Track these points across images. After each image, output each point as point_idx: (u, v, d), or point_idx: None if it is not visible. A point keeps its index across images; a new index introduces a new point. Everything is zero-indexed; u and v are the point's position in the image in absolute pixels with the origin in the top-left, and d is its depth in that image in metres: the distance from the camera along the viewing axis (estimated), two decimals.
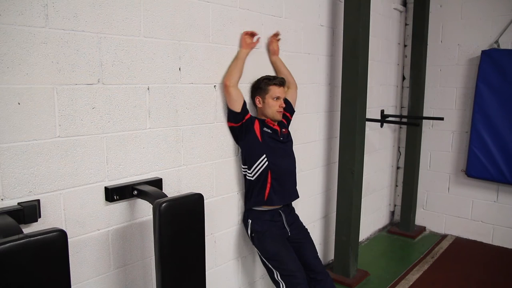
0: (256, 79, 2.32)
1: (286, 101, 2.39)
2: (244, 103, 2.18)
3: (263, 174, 2.20)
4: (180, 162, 2.01)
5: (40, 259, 1.13)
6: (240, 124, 2.17)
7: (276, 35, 2.43)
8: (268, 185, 2.21)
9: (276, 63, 2.49)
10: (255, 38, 2.27)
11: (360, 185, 2.97)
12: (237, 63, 2.18)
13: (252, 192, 2.25)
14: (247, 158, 2.24)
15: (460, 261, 3.39)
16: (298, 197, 2.40)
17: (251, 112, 2.36)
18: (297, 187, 2.42)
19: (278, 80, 2.26)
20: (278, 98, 2.25)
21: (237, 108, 2.14)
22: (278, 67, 2.50)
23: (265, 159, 2.19)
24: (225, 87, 2.13)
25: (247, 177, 2.26)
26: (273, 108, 2.24)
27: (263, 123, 2.26)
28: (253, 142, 2.20)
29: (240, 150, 2.30)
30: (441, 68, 3.88)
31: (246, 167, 2.25)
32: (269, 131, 2.24)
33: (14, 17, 1.38)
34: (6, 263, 1.07)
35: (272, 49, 2.44)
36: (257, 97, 2.27)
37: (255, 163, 2.20)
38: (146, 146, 1.85)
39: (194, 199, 1.58)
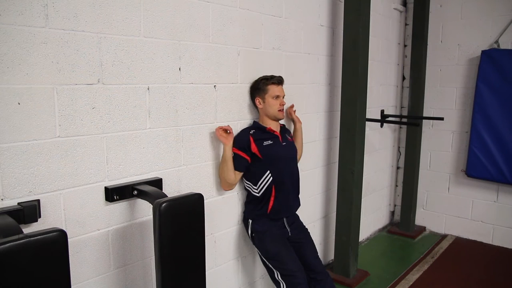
0: (254, 80, 2.32)
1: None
2: (241, 168, 2.19)
3: (268, 188, 2.21)
4: (180, 162, 2.01)
5: (40, 259, 1.13)
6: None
7: (291, 107, 2.61)
8: (272, 198, 2.22)
9: (297, 131, 2.62)
10: (228, 130, 2.14)
11: (360, 185, 2.97)
12: (227, 164, 2.13)
13: (255, 206, 2.26)
14: (251, 177, 2.24)
15: (460, 261, 3.39)
16: (299, 205, 2.40)
17: (251, 114, 2.37)
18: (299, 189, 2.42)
19: (276, 79, 2.26)
20: (277, 97, 2.24)
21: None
22: (296, 135, 2.61)
23: (269, 174, 2.20)
24: (227, 190, 2.25)
25: (253, 192, 2.25)
26: (274, 107, 2.24)
27: (261, 133, 2.23)
28: (254, 162, 2.20)
29: None
30: (441, 68, 3.88)
31: (251, 183, 2.25)
32: (269, 142, 2.22)
33: (14, 17, 1.38)
34: (6, 263, 1.07)
35: (294, 119, 2.61)
36: (257, 98, 2.27)
37: (260, 179, 2.21)
38: (146, 146, 1.85)
39: (194, 199, 1.58)
